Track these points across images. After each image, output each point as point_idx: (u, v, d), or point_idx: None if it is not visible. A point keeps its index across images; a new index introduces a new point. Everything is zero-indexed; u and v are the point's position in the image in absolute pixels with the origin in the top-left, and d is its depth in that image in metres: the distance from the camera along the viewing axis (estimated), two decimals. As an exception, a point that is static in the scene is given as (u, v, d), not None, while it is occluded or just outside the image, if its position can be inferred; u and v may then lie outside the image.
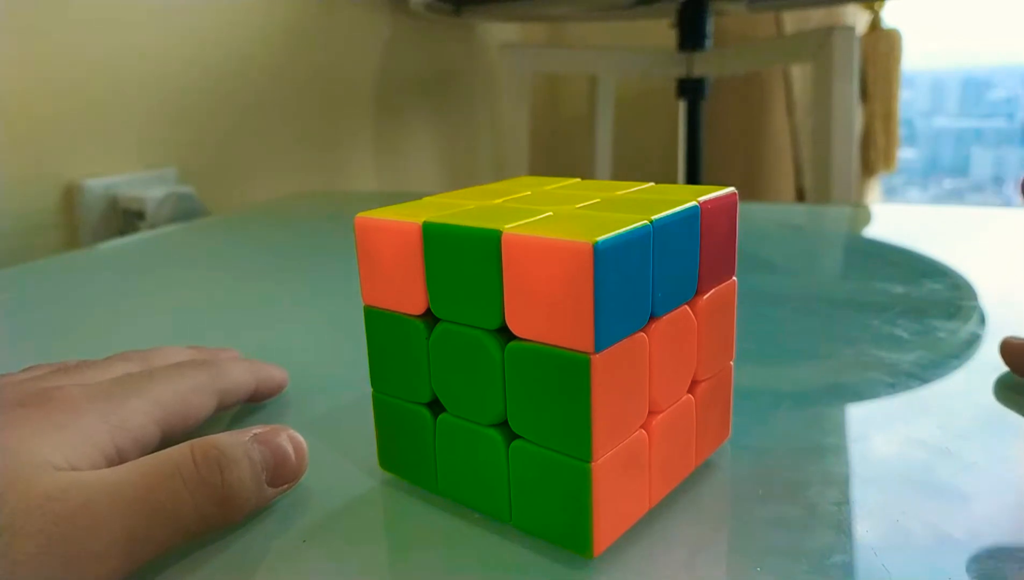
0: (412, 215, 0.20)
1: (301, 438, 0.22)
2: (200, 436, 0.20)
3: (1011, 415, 0.26)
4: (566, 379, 0.17)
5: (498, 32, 1.34)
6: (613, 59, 1.23)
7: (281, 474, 0.21)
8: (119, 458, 0.21)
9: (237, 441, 0.20)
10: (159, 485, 0.19)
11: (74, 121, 0.70)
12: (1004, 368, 0.29)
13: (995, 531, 0.20)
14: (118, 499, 0.18)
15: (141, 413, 0.22)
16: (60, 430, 0.20)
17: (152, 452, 0.22)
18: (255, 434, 0.21)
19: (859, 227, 0.63)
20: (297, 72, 0.94)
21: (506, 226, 0.18)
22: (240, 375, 0.27)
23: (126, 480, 0.18)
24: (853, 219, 0.66)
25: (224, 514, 0.20)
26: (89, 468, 0.20)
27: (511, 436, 0.19)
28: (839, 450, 0.24)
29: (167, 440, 0.23)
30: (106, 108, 0.72)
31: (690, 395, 0.21)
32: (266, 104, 0.90)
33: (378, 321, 0.21)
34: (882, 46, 1.33)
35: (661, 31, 1.17)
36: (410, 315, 0.20)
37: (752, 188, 1.37)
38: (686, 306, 0.20)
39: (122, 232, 0.71)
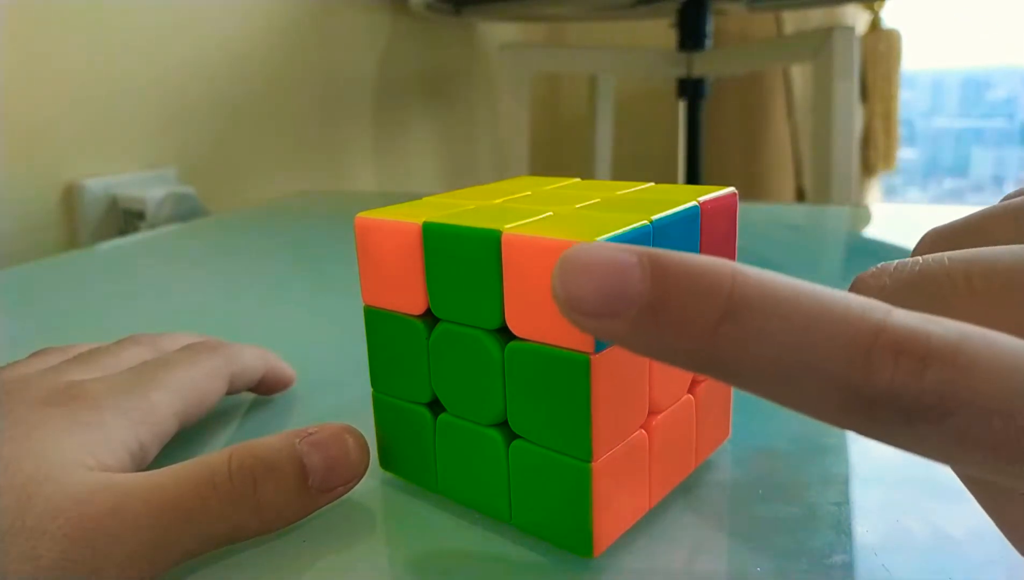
0: (412, 215, 0.20)
1: (362, 436, 0.21)
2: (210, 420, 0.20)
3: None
4: (566, 379, 0.17)
5: (498, 32, 1.34)
6: (613, 59, 1.23)
7: (334, 477, 0.20)
8: (142, 453, 0.21)
9: (283, 445, 0.19)
10: (190, 493, 0.18)
11: (74, 121, 0.70)
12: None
13: (995, 531, 0.20)
14: (147, 506, 0.18)
15: (162, 405, 0.22)
16: (86, 429, 0.20)
17: (169, 441, 0.22)
18: (309, 434, 0.20)
19: (859, 227, 0.63)
20: (297, 72, 0.94)
21: (506, 226, 0.18)
22: (251, 359, 0.27)
23: (157, 486, 0.18)
24: (853, 219, 0.66)
25: (258, 525, 0.19)
26: (116, 466, 0.20)
27: (511, 436, 0.19)
28: (839, 450, 0.24)
29: (184, 426, 0.23)
30: (106, 108, 0.72)
31: (690, 395, 0.21)
32: (266, 104, 0.90)
33: (378, 321, 0.21)
34: (882, 46, 1.33)
35: (661, 31, 1.17)
36: (410, 315, 0.20)
37: (752, 188, 1.37)
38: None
39: (122, 232, 0.71)
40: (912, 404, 0.11)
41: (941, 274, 0.14)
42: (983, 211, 0.17)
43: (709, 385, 0.22)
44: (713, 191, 0.21)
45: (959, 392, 0.11)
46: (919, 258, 0.15)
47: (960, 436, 0.11)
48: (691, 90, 1.12)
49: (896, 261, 0.15)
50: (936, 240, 0.17)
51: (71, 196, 0.70)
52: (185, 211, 0.72)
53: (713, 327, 0.12)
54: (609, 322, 0.12)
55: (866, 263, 0.16)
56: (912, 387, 0.11)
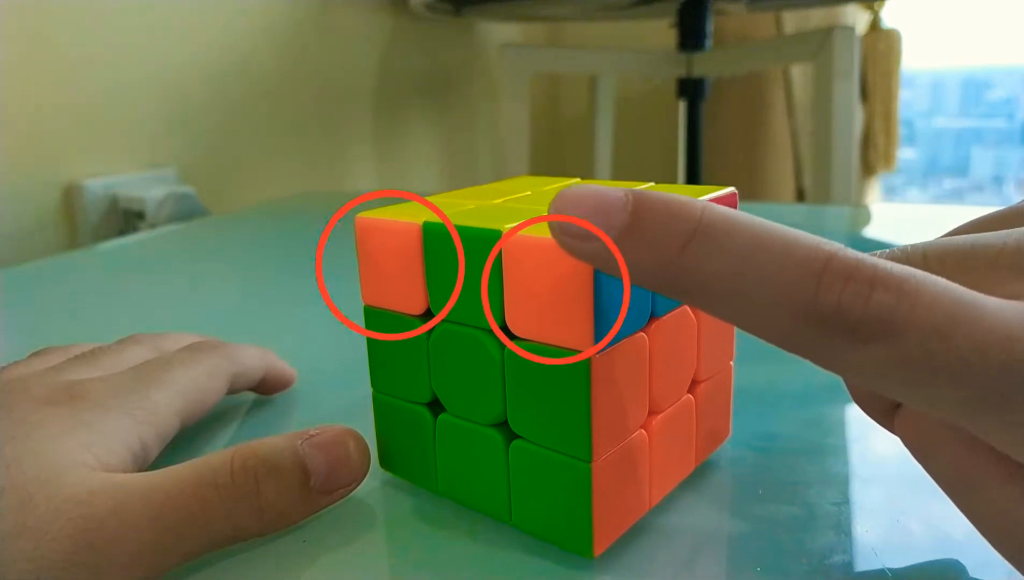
0: (412, 215, 0.20)
1: (363, 440, 0.21)
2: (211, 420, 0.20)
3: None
4: (566, 379, 0.17)
5: (498, 32, 1.34)
6: (613, 59, 1.23)
7: (336, 479, 0.20)
8: (144, 453, 0.21)
9: (285, 446, 0.19)
10: (192, 494, 0.18)
11: (74, 121, 0.70)
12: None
13: (995, 531, 0.20)
14: (148, 506, 0.18)
15: (164, 405, 0.22)
16: (88, 428, 0.20)
17: (170, 441, 0.22)
18: (311, 436, 0.20)
19: (859, 227, 0.63)
20: (297, 72, 0.94)
21: (506, 226, 0.18)
22: (251, 359, 0.27)
23: (158, 486, 0.18)
24: (853, 219, 0.66)
25: (260, 526, 0.19)
26: (118, 466, 0.20)
27: (511, 436, 0.19)
28: (839, 450, 0.24)
29: (184, 426, 0.23)
30: (106, 108, 0.72)
31: (690, 395, 0.21)
32: (266, 104, 0.90)
33: (378, 321, 0.21)
34: (882, 46, 1.33)
35: (661, 31, 1.17)
36: (410, 315, 0.20)
37: (752, 188, 1.37)
38: (686, 306, 0.20)
39: (122, 232, 0.71)
40: (858, 324, 0.12)
41: (903, 258, 0.15)
42: (964, 226, 0.18)
43: (709, 385, 0.22)
44: (713, 191, 0.21)
45: (901, 316, 0.12)
46: (888, 250, 0.16)
47: (902, 358, 0.12)
48: (691, 90, 1.11)
49: (870, 253, 0.16)
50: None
51: (71, 196, 0.70)
52: (185, 211, 0.72)
53: (681, 246, 0.13)
54: (594, 242, 0.14)
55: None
56: (858, 308, 0.12)
